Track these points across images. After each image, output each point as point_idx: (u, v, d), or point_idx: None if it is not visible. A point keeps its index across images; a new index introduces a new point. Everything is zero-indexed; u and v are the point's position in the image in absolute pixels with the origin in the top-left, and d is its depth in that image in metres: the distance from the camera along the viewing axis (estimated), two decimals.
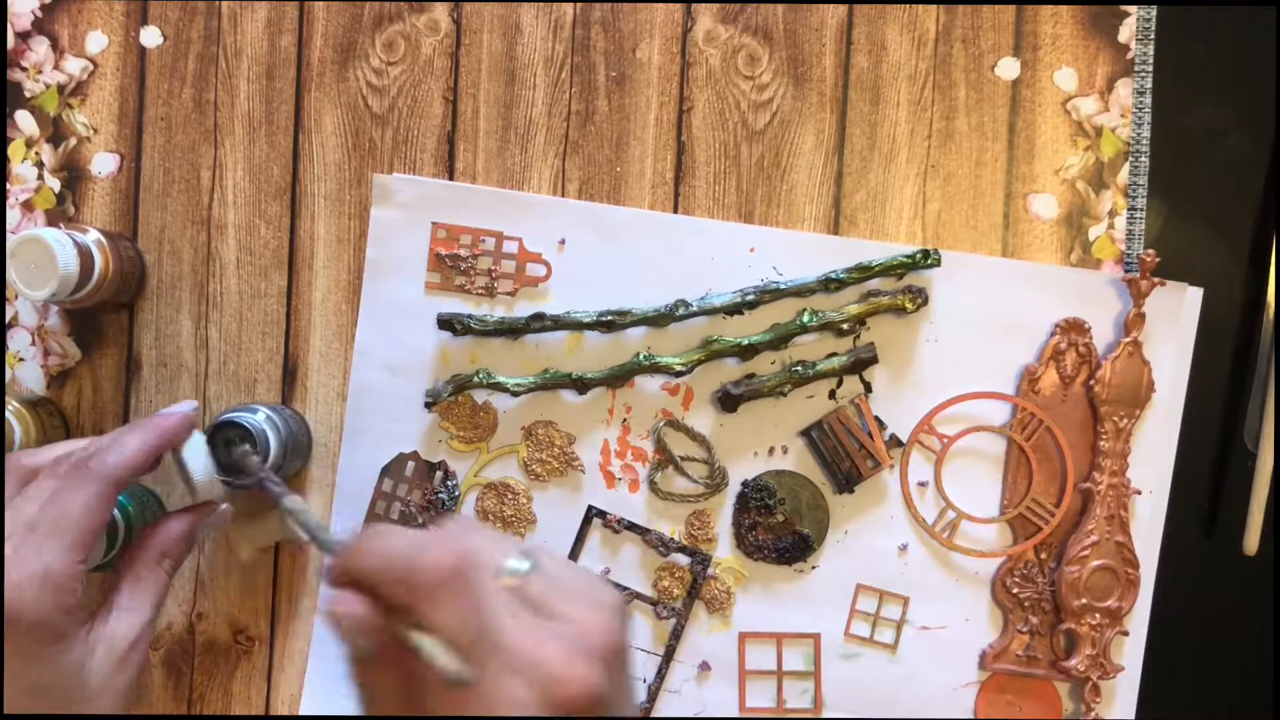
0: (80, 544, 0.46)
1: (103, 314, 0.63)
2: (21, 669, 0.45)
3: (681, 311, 0.61)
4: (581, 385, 0.61)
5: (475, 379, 0.61)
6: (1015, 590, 0.62)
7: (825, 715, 0.63)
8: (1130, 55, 0.62)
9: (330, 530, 0.52)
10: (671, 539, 0.62)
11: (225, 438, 0.55)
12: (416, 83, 0.63)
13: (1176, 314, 0.62)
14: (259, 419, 0.58)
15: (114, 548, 0.57)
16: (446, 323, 0.61)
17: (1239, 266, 0.63)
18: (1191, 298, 0.62)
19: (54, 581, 0.45)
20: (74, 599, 0.46)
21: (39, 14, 0.63)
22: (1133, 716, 0.62)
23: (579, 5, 0.63)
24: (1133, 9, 0.62)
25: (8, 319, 0.63)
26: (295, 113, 0.63)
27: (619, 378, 0.61)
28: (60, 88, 0.63)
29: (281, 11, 0.63)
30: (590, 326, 0.61)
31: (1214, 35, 0.62)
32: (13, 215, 0.63)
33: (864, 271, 0.61)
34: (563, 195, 0.63)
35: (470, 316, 0.61)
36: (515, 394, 0.61)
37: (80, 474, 0.47)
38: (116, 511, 0.58)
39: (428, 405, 0.61)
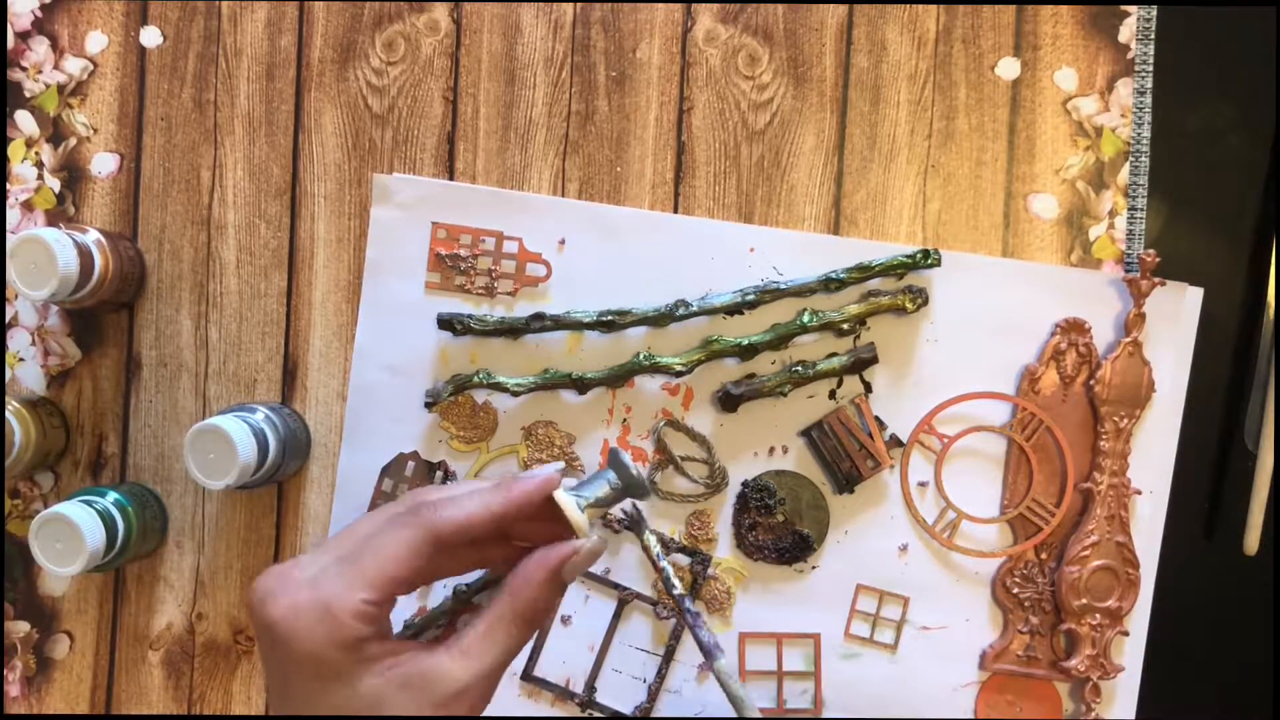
0: (377, 585, 0.43)
1: (103, 314, 0.63)
2: (305, 698, 0.43)
3: (682, 311, 0.61)
4: (581, 385, 0.61)
5: (475, 379, 0.61)
6: (1015, 590, 0.62)
7: (825, 715, 0.63)
8: (1130, 55, 0.62)
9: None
10: (671, 539, 0.62)
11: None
12: (416, 83, 0.63)
13: (1177, 314, 0.62)
14: (258, 419, 0.58)
15: (114, 548, 0.57)
16: (447, 322, 0.61)
17: (1239, 266, 0.63)
18: (1192, 298, 0.62)
19: (332, 614, 0.42)
20: (352, 634, 0.42)
21: (39, 14, 0.63)
22: (1133, 716, 0.62)
23: (579, 5, 0.63)
24: (1133, 9, 0.62)
25: (8, 319, 0.63)
26: (295, 113, 0.63)
27: (619, 378, 0.61)
28: (60, 88, 0.63)
29: (281, 11, 0.63)
30: (590, 326, 0.61)
31: (1214, 35, 0.62)
32: (13, 215, 0.63)
33: (864, 271, 0.61)
34: (563, 195, 0.63)
35: (470, 316, 0.61)
36: (515, 394, 0.61)
37: (407, 518, 0.44)
38: (116, 512, 0.58)
39: (428, 405, 0.61)
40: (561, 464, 0.49)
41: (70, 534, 0.55)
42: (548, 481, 0.47)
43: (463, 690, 0.43)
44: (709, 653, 0.50)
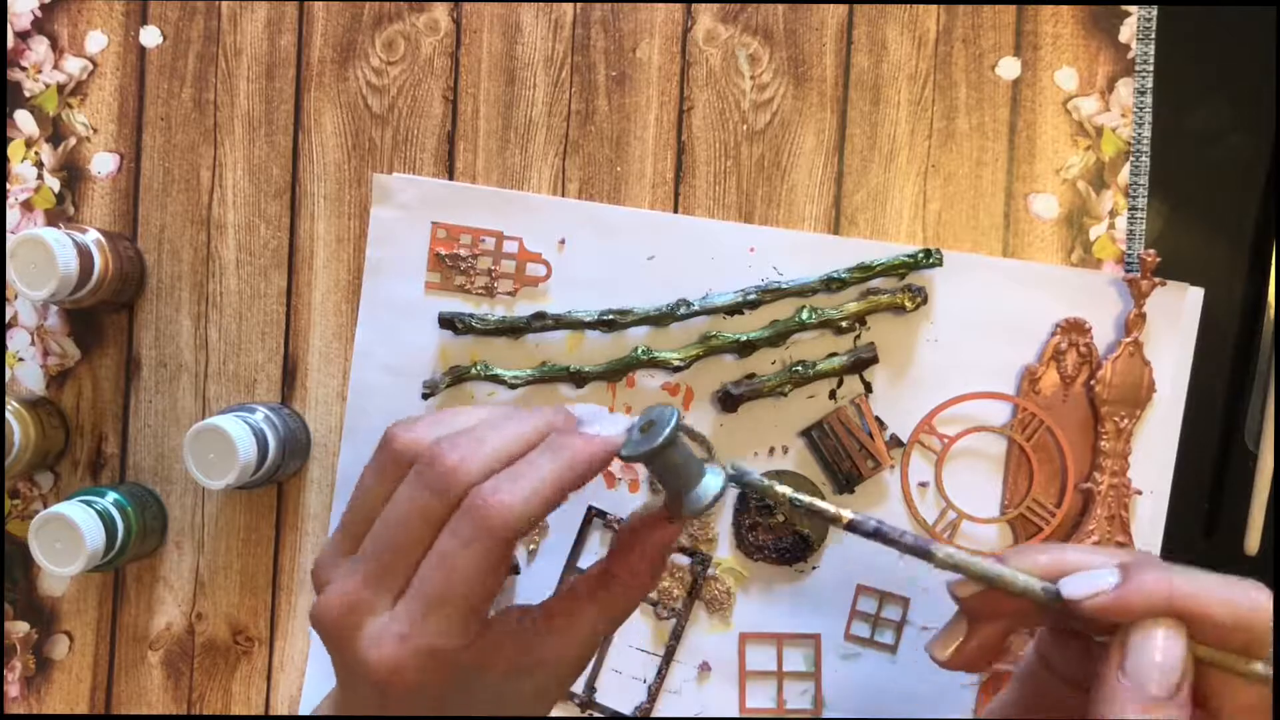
0: (475, 614, 0.37)
1: (103, 314, 0.63)
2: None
3: (683, 311, 0.61)
4: (579, 379, 0.61)
5: (473, 371, 0.61)
6: None
7: (825, 716, 0.63)
8: (1131, 55, 0.62)
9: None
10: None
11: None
12: (416, 83, 0.63)
13: (1177, 314, 0.62)
14: (258, 419, 0.58)
15: (113, 548, 0.57)
16: (448, 321, 0.61)
17: (1239, 266, 0.63)
18: (1192, 298, 0.62)
19: (442, 659, 0.37)
20: (459, 671, 0.38)
21: (39, 14, 0.63)
22: None
23: (579, 5, 0.63)
24: (1133, 9, 0.62)
25: (8, 319, 0.63)
26: (295, 113, 0.63)
27: (617, 372, 0.61)
28: (60, 87, 0.63)
29: (281, 11, 0.63)
30: (591, 326, 0.61)
31: (1214, 35, 0.62)
32: (12, 215, 0.63)
33: (866, 271, 0.61)
34: (563, 195, 0.63)
35: (471, 315, 0.61)
36: (513, 386, 0.61)
37: (474, 529, 0.36)
38: (116, 512, 0.58)
39: (425, 396, 0.61)
40: (626, 420, 0.40)
41: (70, 534, 0.55)
42: (607, 449, 0.39)
43: (564, 671, 0.40)
44: (925, 551, 0.39)
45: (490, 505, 0.36)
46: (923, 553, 0.40)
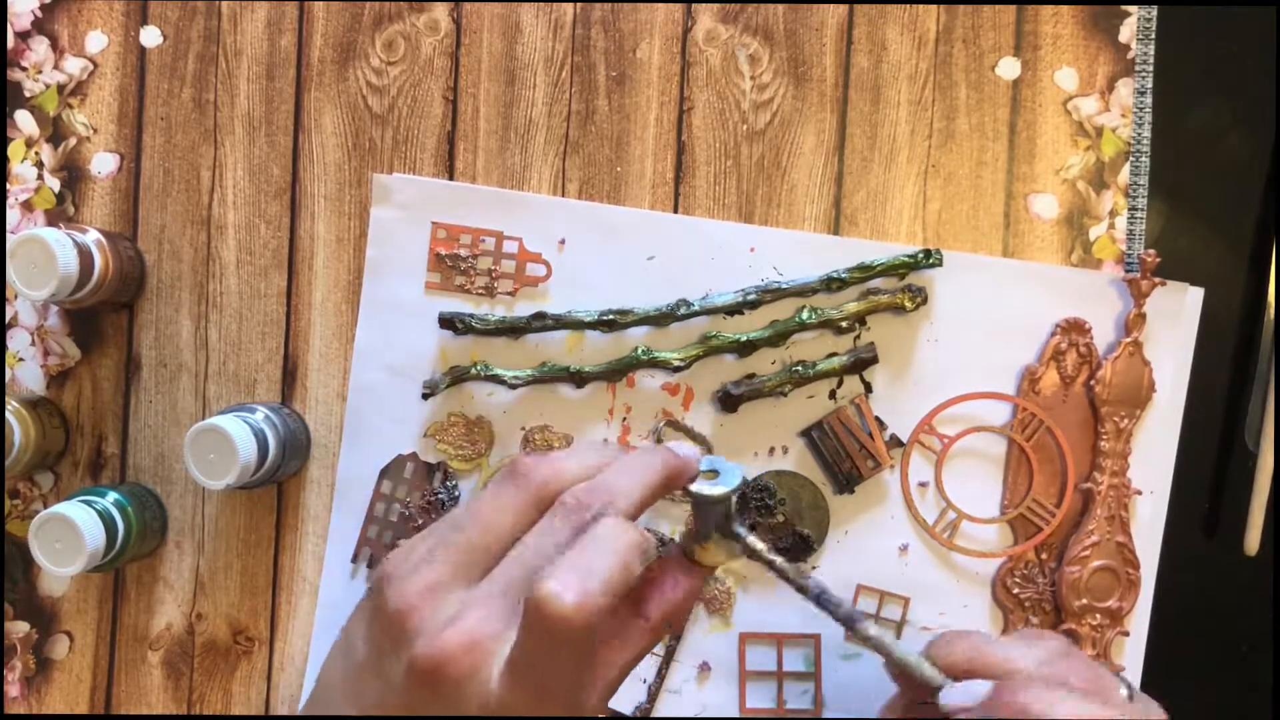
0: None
1: (103, 314, 0.63)
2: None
3: (683, 311, 0.61)
4: (579, 379, 0.61)
5: (473, 370, 0.61)
6: (1016, 590, 0.62)
7: (825, 715, 0.63)
8: (1131, 55, 0.62)
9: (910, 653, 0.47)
10: (671, 539, 0.62)
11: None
12: (416, 83, 0.63)
13: (1177, 314, 0.62)
14: (258, 419, 0.58)
15: (114, 548, 0.57)
16: (448, 321, 0.61)
17: (1239, 266, 0.63)
18: (1192, 298, 0.62)
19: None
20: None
21: (39, 14, 0.63)
22: None
23: (579, 5, 0.63)
24: (1133, 9, 0.62)
25: (8, 319, 0.63)
26: (295, 113, 0.63)
27: (617, 372, 0.61)
28: (60, 88, 0.63)
29: (281, 11, 0.63)
30: (591, 326, 0.61)
31: (1214, 35, 0.62)
32: (12, 215, 0.63)
33: (866, 271, 0.61)
34: (563, 195, 0.63)
35: (471, 315, 0.61)
36: (513, 387, 0.61)
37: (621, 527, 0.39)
38: (116, 512, 0.58)
39: (425, 395, 0.61)
40: (696, 451, 0.45)
41: (70, 534, 0.55)
42: (689, 466, 0.43)
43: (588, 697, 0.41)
44: (853, 620, 0.45)
45: (603, 507, 0.41)
46: (849, 624, 0.45)
